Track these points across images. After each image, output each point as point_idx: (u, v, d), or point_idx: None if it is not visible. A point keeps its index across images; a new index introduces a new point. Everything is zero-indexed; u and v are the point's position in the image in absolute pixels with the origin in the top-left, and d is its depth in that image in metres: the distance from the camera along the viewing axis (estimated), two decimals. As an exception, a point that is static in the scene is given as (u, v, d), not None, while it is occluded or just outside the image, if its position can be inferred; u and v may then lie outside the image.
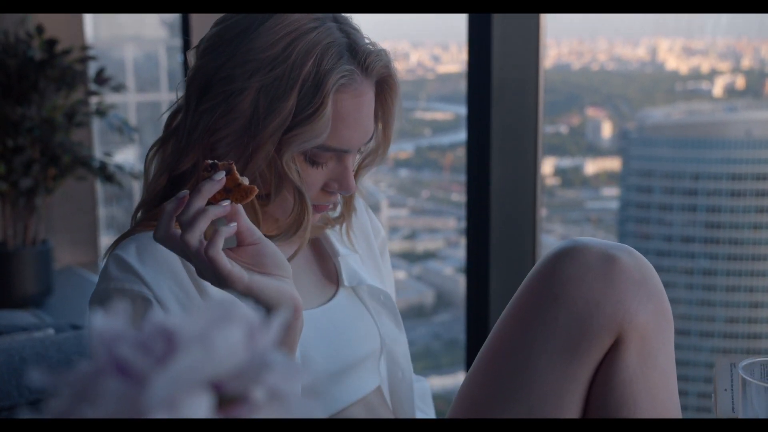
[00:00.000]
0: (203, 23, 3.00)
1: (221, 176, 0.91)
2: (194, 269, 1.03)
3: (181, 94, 1.12)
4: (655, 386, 1.08)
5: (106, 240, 4.13)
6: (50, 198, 3.19)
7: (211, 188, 0.91)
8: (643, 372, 1.08)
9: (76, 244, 3.78)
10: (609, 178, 10.91)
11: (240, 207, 0.94)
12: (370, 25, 1.12)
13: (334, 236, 1.24)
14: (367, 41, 1.09)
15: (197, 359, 0.33)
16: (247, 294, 0.92)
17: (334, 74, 1.02)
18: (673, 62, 9.86)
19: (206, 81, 1.05)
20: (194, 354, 0.33)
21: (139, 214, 1.11)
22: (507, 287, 2.20)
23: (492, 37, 2.05)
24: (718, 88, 9.56)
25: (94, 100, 3.25)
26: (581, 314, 1.07)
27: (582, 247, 1.09)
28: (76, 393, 0.33)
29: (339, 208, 1.24)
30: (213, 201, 0.92)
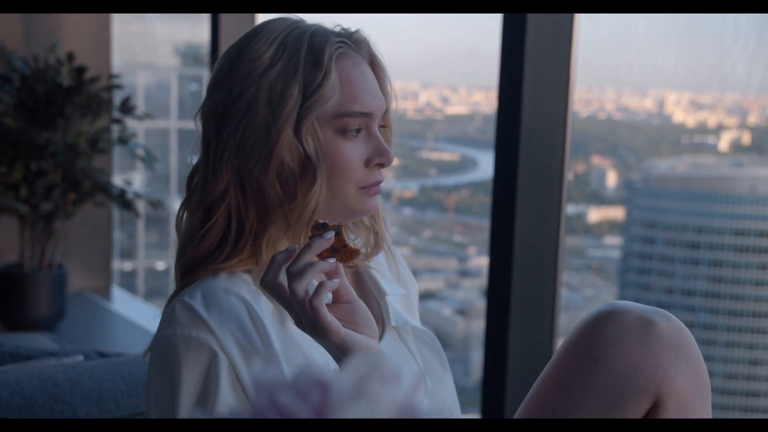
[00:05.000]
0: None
1: (331, 236, 0.99)
2: (261, 320, 1.05)
3: (196, 154, 1.15)
4: None
5: (117, 265, 4.15)
6: (68, 222, 3.21)
7: (320, 245, 0.98)
8: None
9: (89, 268, 3.80)
10: (612, 227, 10.95)
11: (341, 267, 1.00)
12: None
13: (379, 276, 1.26)
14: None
15: (362, 412, 0.35)
16: (341, 347, 0.98)
17: (328, 46, 1.09)
18: (680, 115, 9.96)
19: (222, 110, 1.09)
20: (360, 406, 0.35)
21: (187, 252, 1.11)
22: (526, 329, 2.22)
23: (523, 80, 2.09)
24: (724, 142, 9.64)
25: (115, 128, 3.28)
26: (620, 376, 1.09)
27: (621, 311, 1.12)
28: (242, 436, 0.35)
29: (363, 240, 1.26)
30: (319, 258, 0.99)
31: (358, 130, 1.10)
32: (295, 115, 1.07)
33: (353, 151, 1.10)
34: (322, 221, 1.00)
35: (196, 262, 1.10)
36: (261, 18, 3.15)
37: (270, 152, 1.07)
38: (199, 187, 1.11)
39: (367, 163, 1.11)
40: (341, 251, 1.00)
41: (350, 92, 1.09)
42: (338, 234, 0.99)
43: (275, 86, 1.07)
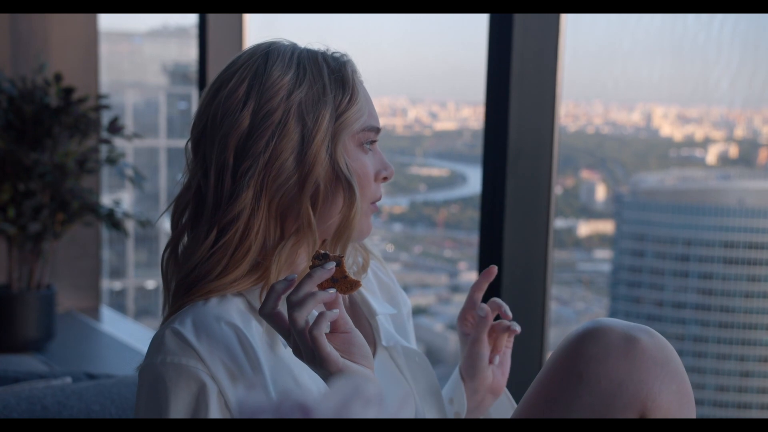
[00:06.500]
0: (216, 66, 3.05)
1: (332, 266, 0.99)
2: (251, 345, 1.05)
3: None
4: None
5: (107, 284, 4.13)
6: (56, 242, 3.21)
7: (321, 276, 0.98)
8: None
9: (78, 288, 3.78)
10: (602, 240, 10.98)
11: (340, 297, 1.00)
12: (370, 78, 1.20)
13: (369, 295, 1.26)
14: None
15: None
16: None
17: (346, 64, 1.13)
18: (668, 129, 10.01)
19: (247, 130, 1.09)
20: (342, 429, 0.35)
21: (195, 271, 1.09)
22: (516, 343, 2.22)
23: (510, 95, 2.10)
24: (711, 156, 9.70)
25: (104, 147, 3.28)
26: (604, 393, 1.09)
27: (605, 328, 1.12)
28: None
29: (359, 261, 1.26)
30: (319, 288, 0.99)
31: (371, 143, 1.15)
32: (331, 132, 1.10)
33: (371, 164, 1.14)
34: (323, 251, 1.01)
35: (195, 281, 1.10)
36: (249, 21, 3.17)
37: (307, 172, 1.09)
38: (209, 206, 1.11)
39: (376, 177, 1.15)
40: (341, 282, 1.00)
41: (368, 108, 1.14)
42: (339, 265, 1.00)
43: (305, 105, 1.09)
